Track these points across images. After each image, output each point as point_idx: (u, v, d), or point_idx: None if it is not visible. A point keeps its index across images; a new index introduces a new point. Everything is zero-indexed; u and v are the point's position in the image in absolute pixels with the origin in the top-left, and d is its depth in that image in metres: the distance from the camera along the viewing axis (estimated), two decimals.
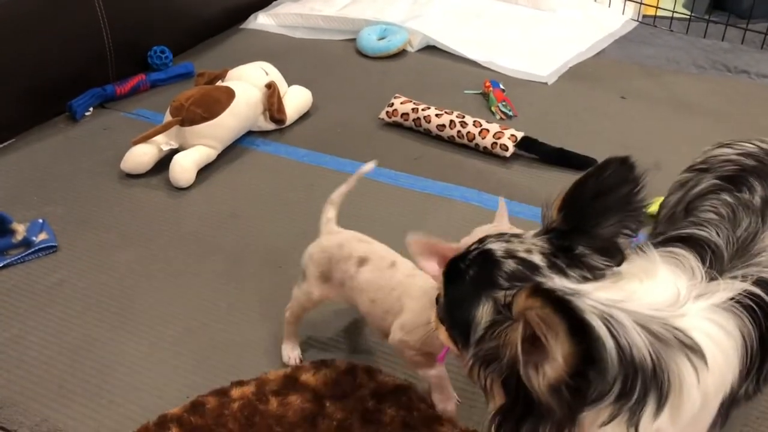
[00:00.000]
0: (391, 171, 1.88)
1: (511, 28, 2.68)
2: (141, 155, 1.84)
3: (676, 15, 2.70)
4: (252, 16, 2.75)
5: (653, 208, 1.70)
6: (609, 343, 0.70)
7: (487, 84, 2.23)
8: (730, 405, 0.87)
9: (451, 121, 1.96)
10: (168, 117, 1.87)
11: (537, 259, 0.88)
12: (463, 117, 1.97)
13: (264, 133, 2.05)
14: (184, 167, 1.80)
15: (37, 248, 1.60)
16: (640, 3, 2.78)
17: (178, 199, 1.80)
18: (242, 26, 2.72)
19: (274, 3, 2.84)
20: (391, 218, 1.72)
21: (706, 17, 2.67)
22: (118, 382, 1.31)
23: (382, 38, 2.53)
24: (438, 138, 2.00)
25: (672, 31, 2.68)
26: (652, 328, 0.75)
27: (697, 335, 0.78)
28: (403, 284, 1.15)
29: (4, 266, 1.57)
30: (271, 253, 1.62)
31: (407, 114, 2.03)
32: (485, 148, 1.91)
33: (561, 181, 1.82)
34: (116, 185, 1.84)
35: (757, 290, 0.86)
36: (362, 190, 1.79)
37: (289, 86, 2.14)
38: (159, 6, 2.38)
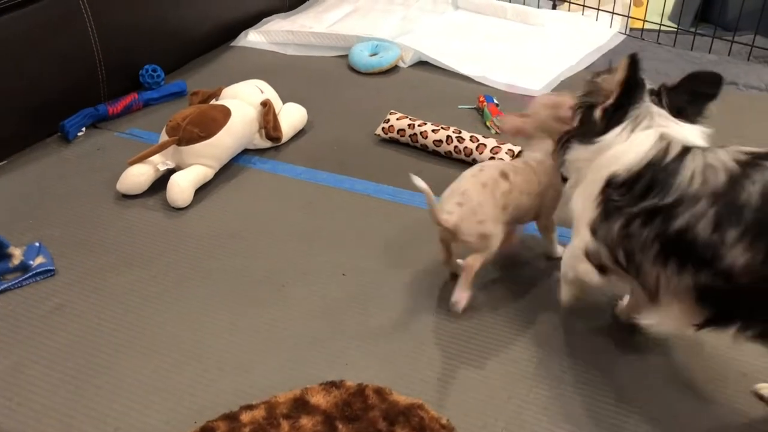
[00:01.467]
0: (389, 187, 1.88)
1: (501, 43, 2.70)
2: (137, 175, 1.82)
3: (663, 28, 2.74)
4: (242, 34, 2.75)
5: None
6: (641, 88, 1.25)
7: (481, 99, 2.24)
8: None
9: (448, 137, 1.96)
10: (164, 136, 1.85)
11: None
12: (460, 132, 1.97)
13: (260, 151, 2.05)
14: (182, 187, 1.78)
15: (34, 272, 1.57)
16: (627, 17, 2.82)
17: (176, 220, 1.78)
18: (233, 44, 2.72)
19: (264, 20, 2.84)
20: (391, 234, 1.71)
21: (693, 30, 2.70)
22: (124, 408, 1.29)
23: (374, 54, 2.54)
24: (435, 153, 2.01)
25: (659, 43, 2.72)
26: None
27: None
28: None
29: (2, 291, 1.54)
30: (273, 272, 1.61)
31: (404, 130, 2.03)
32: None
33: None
34: (112, 206, 1.82)
35: None
36: (361, 207, 1.80)
37: (283, 103, 2.14)
38: (150, 25, 2.37)
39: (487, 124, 2.16)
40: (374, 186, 1.89)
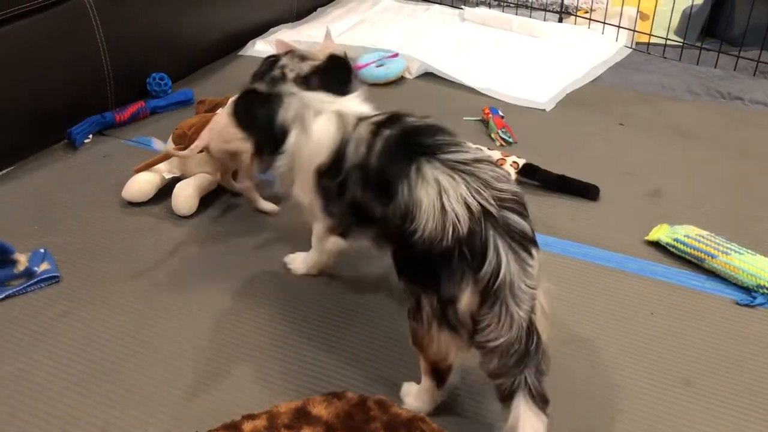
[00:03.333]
0: None
1: (507, 56, 2.71)
2: (143, 183, 1.83)
3: (669, 42, 2.75)
4: (250, 43, 2.76)
5: (655, 235, 1.71)
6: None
7: (486, 111, 2.24)
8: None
9: None
10: (170, 145, 1.86)
11: (291, 75, 1.61)
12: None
13: None
14: (187, 195, 1.79)
15: (39, 279, 1.58)
16: (634, 30, 2.82)
17: (181, 228, 1.78)
18: (240, 53, 2.73)
19: (271, 30, 2.85)
20: None
21: (699, 44, 2.71)
22: (126, 416, 1.29)
23: (381, 65, 2.55)
24: None
25: (665, 58, 2.72)
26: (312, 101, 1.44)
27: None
28: None
29: (6, 297, 1.55)
30: (280, 282, 1.61)
31: None
32: None
33: (564, 207, 1.86)
34: (118, 213, 1.83)
35: None
36: None
37: None
38: (158, 33, 2.39)
39: (492, 136, 2.17)
40: None
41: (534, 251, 1.11)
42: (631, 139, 2.19)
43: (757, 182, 1.98)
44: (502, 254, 1.07)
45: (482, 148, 1.96)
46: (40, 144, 2.11)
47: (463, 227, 1.07)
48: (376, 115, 1.34)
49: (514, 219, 1.10)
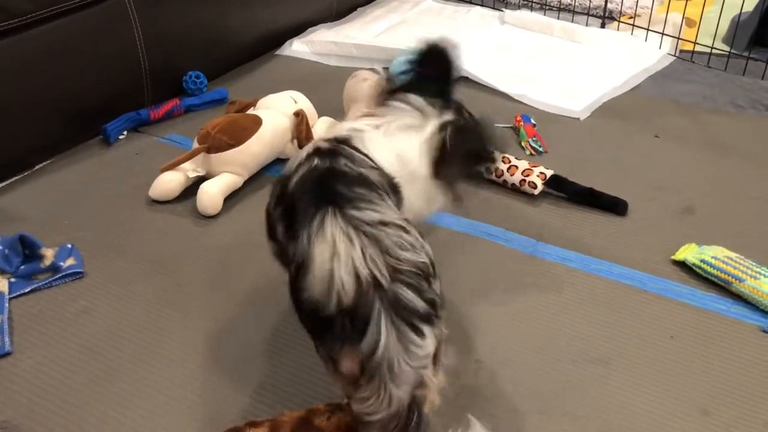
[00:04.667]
0: None
1: (545, 61, 2.67)
2: (168, 182, 1.86)
3: (714, 51, 2.66)
4: (287, 43, 2.78)
5: (682, 254, 1.67)
6: None
7: (518, 118, 2.21)
8: None
9: None
10: (196, 144, 1.89)
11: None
12: (492, 152, 1.95)
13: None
14: (211, 195, 1.81)
15: (64, 274, 1.62)
16: (678, 38, 2.75)
17: (205, 227, 1.81)
18: (277, 52, 2.75)
19: (309, 30, 2.86)
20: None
21: (746, 54, 2.62)
22: (137, 417, 1.32)
23: None
24: None
25: (710, 67, 2.64)
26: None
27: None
28: None
29: (32, 291, 1.60)
30: None
31: None
32: (513, 185, 1.89)
33: (590, 221, 1.83)
34: (144, 211, 1.86)
35: None
36: None
37: (320, 116, 2.16)
38: (196, 32, 2.42)
39: (522, 144, 2.14)
40: None
41: (426, 329, 1.03)
42: (666, 152, 2.13)
43: None
44: (382, 332, 1.00)
45: (510, 157, 1.93)
46: (76, 140, 2.16)
47: (347, 299, 1.02)
48: (328, 140, 1.27)
49: (406, 295, 1.03)
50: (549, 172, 1.87)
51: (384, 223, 1.08)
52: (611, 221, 1.83)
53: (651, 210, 1.87)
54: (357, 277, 1.02)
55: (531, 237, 1.76)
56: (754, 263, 1.59)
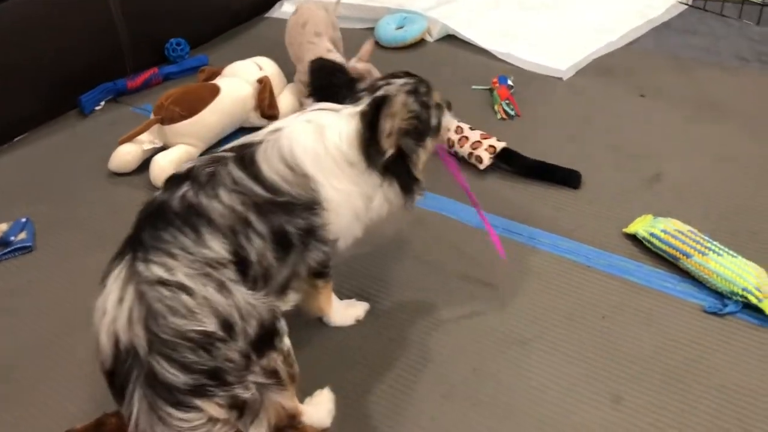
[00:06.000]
0: None
1: (542, 13, 2.52)
2: (125, 154, 1.88)
3: None
4: (277, 4, 2.74)
5: (634, 227, 1.56)
6: None
7: (495, 80, 2.11)
8: None
9: None
10: (152, 116, 1.89)
11: None
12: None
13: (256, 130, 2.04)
14: (162, 166, 1.82)
15: (13, 248, 1.67)
16: None
17: None
18: (267, 14, 2.71)
19: None
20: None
21: (761, 1, 2.40)
22: (66, 392, 1.34)
23: (401, 27, 2.45)
24: None
25: (723, 15, 2.43)
26: None
27: None
28: None
29: None
30: None
31: None
32: (463, 157, 1.81)
33: (543, 193, 1.72)
34: (103, 184, 1.89)
35: None
36: None
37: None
38: None
39: (495, 108, 2.04)
40: None
41: (193, 401, 0.96)
42: (649, 113, 1.99)
43: None
44: (135, 404, 0.96)
45: (464, 126, 1.84)
46: (55, 111, 2.20)
47: (106, 363, 0.99)
48: (230, 149, 1.20)
49: (162, 369, 0.96)
50: (500, 145, 1.77)
51: (163, 283, 1.00)
52: (569, 193, 1.73)
53: (616, 178, 1.76)
54: (116, 343, 0.98)
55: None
56: (706, 238, 1.48)
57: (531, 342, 1.36)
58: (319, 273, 1.28)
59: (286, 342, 1.11)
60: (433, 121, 1.34)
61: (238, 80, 2.00)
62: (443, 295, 1.48)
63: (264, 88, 1.99)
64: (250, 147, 1.20)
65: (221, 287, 1.03)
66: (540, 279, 1.50)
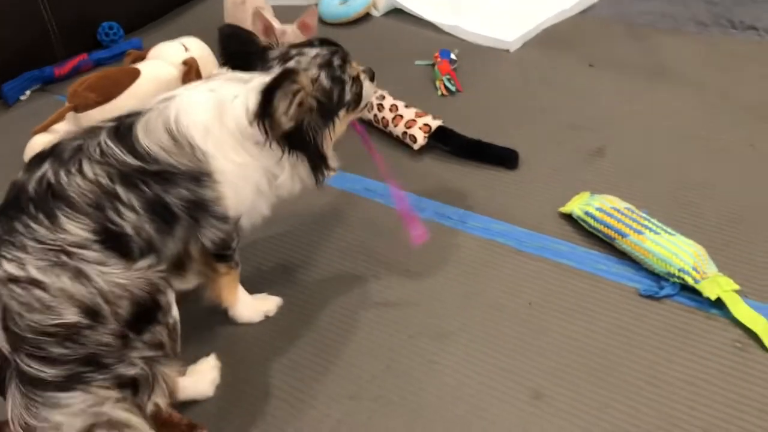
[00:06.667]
0: None
1: None
2: (39, 145, 1.73)
3: None
4: None
5: (570, 206, 1.46)
6: None
7: (437, 55, 1.99)
8: None
9: (371, 104, 1.76)
10: (66, 103, 1.78)
11: None
12: (383, 99, 1.76)
13: None
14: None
15: None
16: None
17: None
18: None
19: None
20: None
21: None
22: None
23: (344, 2, 2.33)
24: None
25: None
26: None
27: None
28: None
29: None
30: None
31: None
32: (397, 136, 1.70)
33: (478, 173, 1.61)
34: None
35: None
36: None
37: None
38: None
39: (436, 83, 1.93)
40: None
41: (62, 395, 0.94)
42: (596, 84, 1.88)
43: (727, 145, 1.63)
44: (9, 399, 0.95)
45: (399, 104, 1.73)
46: None
47: None
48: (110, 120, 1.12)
49: (29, 367, 0.93)
50: (435, 123, 1.66)
51: (15, 280, 0.95)
52: (506, 173, 1.62)
53: (557, 155, 1.65)
54: None
55: (411, 192, 1.58)
56: (644, 215, 1.37)
57: (451, 335, 1.26)
58: (221, 256, 1.20)
59: (174, 315, 1.05)
60: (347, 96, 1.22)
61: (162, 63, 1.89)
62: (359, 284, 1.37)
63: (190, 70, 1.88)
64: (133, 116, 1.12)
65: (78, 275, 0.97)
66: (466, 265, 1.39)
